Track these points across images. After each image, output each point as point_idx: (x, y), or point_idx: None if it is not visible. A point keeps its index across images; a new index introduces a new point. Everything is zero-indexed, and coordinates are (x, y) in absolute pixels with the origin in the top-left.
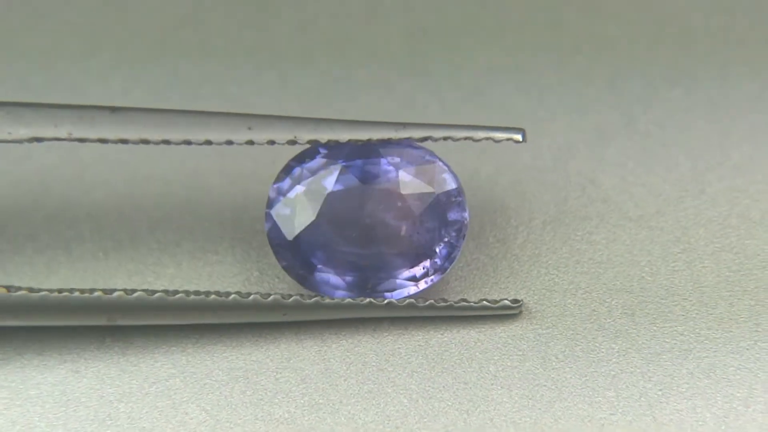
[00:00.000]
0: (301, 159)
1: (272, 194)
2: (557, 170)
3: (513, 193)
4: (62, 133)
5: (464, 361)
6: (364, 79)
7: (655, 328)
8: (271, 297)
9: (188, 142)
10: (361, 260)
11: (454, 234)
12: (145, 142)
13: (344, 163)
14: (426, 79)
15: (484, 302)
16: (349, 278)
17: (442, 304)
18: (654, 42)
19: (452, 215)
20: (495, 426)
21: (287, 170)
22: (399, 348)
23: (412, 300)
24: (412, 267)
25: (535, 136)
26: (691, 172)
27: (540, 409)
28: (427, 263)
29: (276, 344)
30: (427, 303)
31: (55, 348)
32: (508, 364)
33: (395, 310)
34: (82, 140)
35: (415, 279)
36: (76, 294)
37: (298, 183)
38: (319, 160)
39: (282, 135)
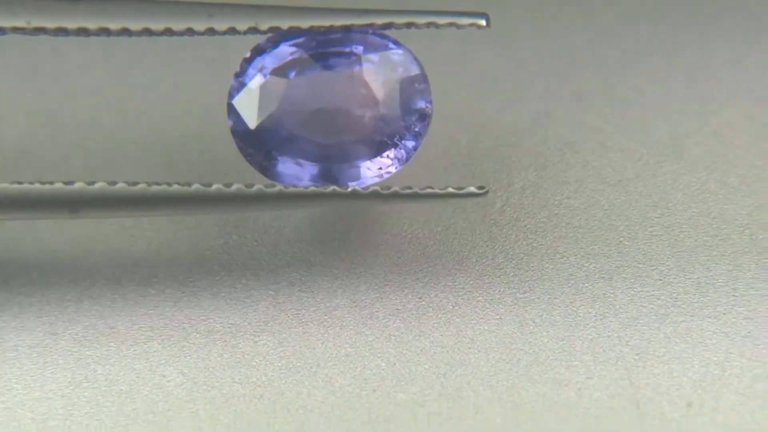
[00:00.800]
0: (261, 49)
1: (234, 85)
2: (536, 135)
3: (491, 158)
4: (20, 22)
5: (441, 325)
6: None
7: (632, 292)
8: (234, 186)
9: (149, 32)
10: (324, 150)
11: (418, 122)
12: (105, 31)
13: (306, 52)
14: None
15: (450, 189)
16: (312, 169)
17: (407, 191)
18: (633, 8)
19: (416, 103)
20: (472, 389)
21: (248, 61)
22: (376, 312)
23: (377, 188)
24: (375, 156)
25: (513, 101)
26: (669, 137)
27: (517, 372)
28: (391, 152)
29: (254, 308)
30: (392, 190)
31: (33, 310)
32: (486, 328)
33: (359, 198)
34: (41, 30)
35: (379, 168)
36: (37, 185)
37: (260, 72)
38: (280, 50)
39: (243, 22)
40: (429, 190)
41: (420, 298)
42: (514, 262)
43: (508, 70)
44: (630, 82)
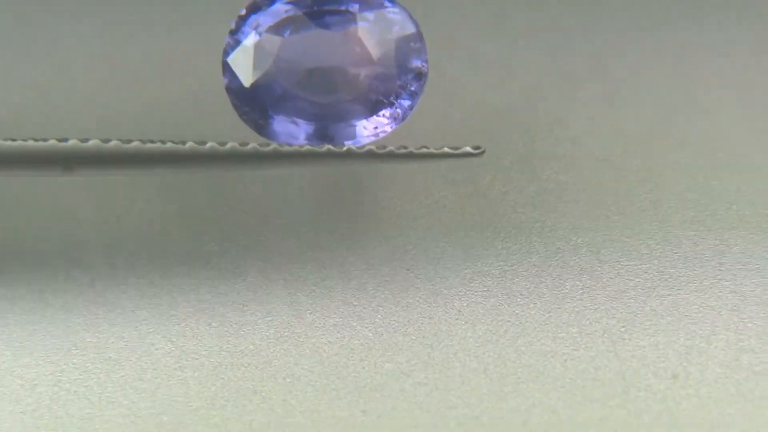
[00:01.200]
0: (257, 7)
1: (229, 43)
2: (526, 111)
3: (482, 133)
4: None
5: (429, 296)
6: None
7: (619, 266)
8: (228, 145)
9: None
10: (320, 108)
11: (413, 81)
12: None
13: (301, 10)
14: None
15: (445, 149)
16: (308, 128)
17: (402, 150)
18: None
19: (412, 62)
20: (459, 360)
21: (243, 18)
22: (365, 283)
23: (372, 147)
24: (371, 115)
25: (505, 77)
26: (658, 114)
27: (503, 344)
28: (386, 111)
29: (243, 277)
30: (387, 149)
31: (23, 278)
32: (473, 299)
33: (354, 157)
34: None
35: (375, 127)
36: (30, 142)
37: (254, 30)
38: (275, 7)
39: None
40: (424, 150)
41: (408, 269)
42: (502, 235)
43: (500, 47)
44: (619, 60)
